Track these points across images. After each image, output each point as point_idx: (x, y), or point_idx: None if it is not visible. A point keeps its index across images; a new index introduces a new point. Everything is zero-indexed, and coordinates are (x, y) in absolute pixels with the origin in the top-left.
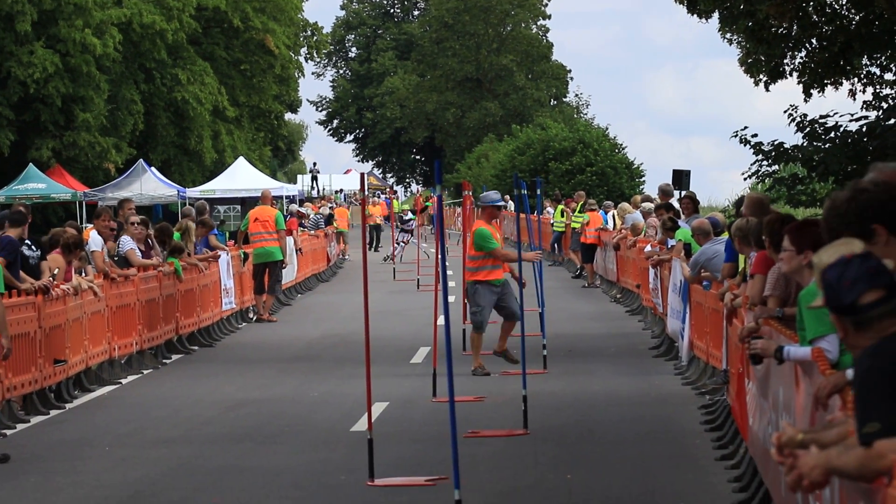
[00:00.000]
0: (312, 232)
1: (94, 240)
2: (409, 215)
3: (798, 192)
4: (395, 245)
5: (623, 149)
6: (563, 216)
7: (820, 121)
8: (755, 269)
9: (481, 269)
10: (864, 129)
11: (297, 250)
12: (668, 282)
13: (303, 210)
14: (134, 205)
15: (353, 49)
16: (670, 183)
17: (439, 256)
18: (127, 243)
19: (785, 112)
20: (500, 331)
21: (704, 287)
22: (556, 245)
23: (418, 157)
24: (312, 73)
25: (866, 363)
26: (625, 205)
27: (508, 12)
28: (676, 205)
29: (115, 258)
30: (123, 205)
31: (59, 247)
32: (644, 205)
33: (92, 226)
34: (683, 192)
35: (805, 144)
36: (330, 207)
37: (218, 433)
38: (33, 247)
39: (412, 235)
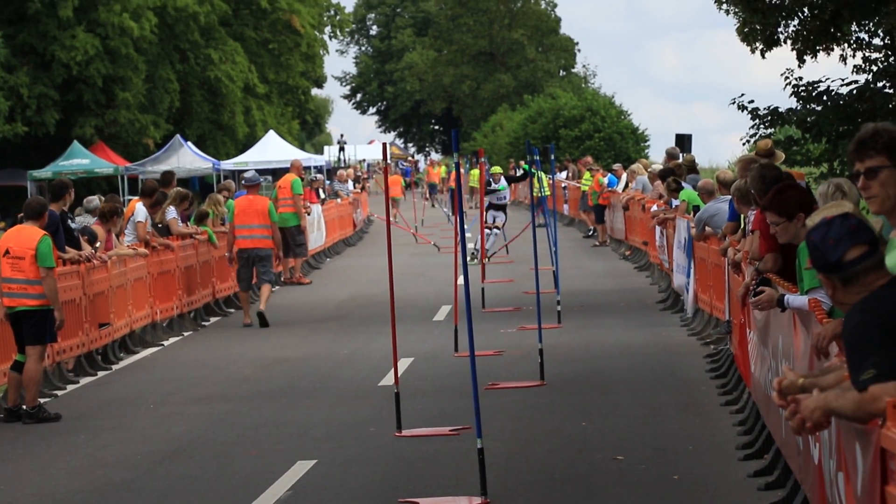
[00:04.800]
0: (339, 200)
1: (139, 211)
2: (502, 182)
3: (793, 153)
4: (488, 230)
5: (628, 115)
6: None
7: (813, 85)
8: (755, 225)
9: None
10: (854, 92)
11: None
12: (673, 239)
13: (316, 177)
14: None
15: (374, 27)
16: (675, 146)
17: (458, 219)
18: (171, 213)
19: (781, 75)
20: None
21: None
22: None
23: (437, 127)
24: (336, 51)
25: (856, 317)
26: (636, 166)
27: None
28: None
29: (160, 225)
30: (169, 178)
31: (97, 218)
32: (654, 166)
33: (137, 198)
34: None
35: (799, 108)
36: (357, 176)
37: (254, 390)
38: (75, 219)
39: (505, 216)
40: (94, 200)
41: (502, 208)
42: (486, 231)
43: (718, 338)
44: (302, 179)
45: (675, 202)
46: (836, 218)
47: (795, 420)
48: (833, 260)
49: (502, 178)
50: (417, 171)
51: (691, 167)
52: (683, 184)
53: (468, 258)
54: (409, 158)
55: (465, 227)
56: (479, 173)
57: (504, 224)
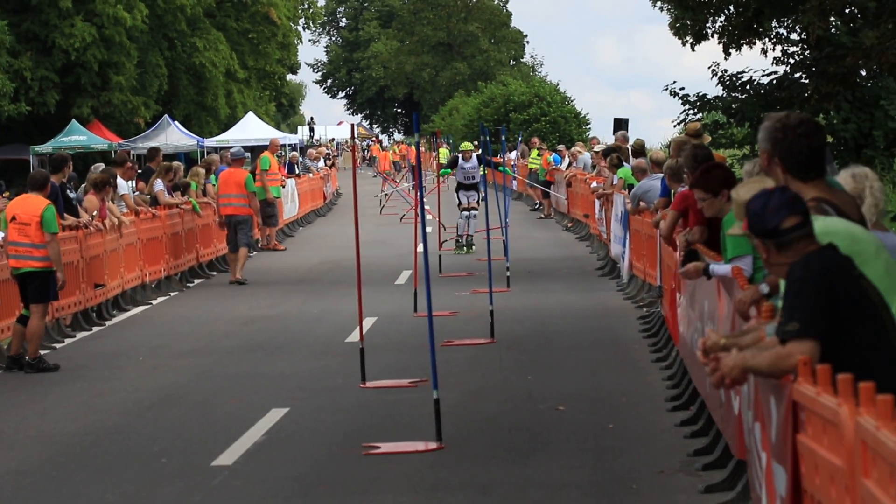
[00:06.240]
0: (311, 175)
1: (121, 184)
2: (473, 160)
3: (719, 136)
4: (466, 212)
5: (572, 101)
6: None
7: (737, 75)
8: (673, 206)
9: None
10: (773, 82)
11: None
12: (611, 213)
13: (281, 154)
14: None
15: (343, 19)
16: (612, 130)
17: (418, 193)
18: (158, 185)
19: (709, 68)
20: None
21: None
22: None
23: (399, 110)
24: (309, 41)
25: (799, 272)
26: (577, 147)
27: None
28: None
29: (148, 196)
30: (154, 153)
31: (91, 189)
32: (596, 147)
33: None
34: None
35: (725, 95)
36: (328, 154)
37: (234, 345)
38: (73, 190)
39: (477, 194)
40: (101, 167)
41: (474, 187)
42: (465, 214)
43: (651, 301)
44: (279, 157)
45: (615, 179)
46: (775, 189)
47: (715, 376)
48: (771, 227)
49: (474, 155)
50: (382, 149)
51: (640, 150)
52: (625, 163)
53: (458, 250)
54: (374, 138)
55: (425, 199)
56: (438, 153)
57: (478, 201)
